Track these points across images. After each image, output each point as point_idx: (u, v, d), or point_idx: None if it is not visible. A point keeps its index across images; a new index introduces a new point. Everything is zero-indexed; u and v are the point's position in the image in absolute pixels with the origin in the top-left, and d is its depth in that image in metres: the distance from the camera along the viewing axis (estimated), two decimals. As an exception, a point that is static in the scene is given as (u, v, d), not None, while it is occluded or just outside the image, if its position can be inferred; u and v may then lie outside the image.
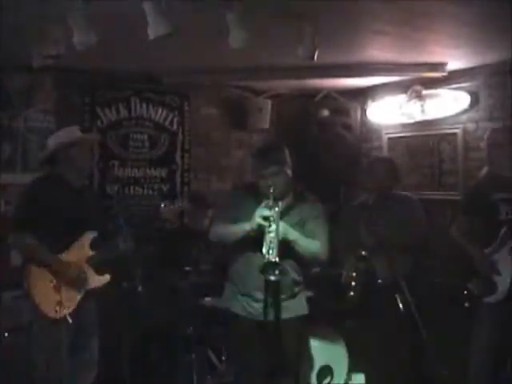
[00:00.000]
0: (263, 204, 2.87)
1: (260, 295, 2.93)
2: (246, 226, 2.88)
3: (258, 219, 2.81)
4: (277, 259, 2.71)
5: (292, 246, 2.90)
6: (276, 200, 2.88)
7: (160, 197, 5.11)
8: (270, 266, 2.72)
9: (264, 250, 2.76)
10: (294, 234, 2.89)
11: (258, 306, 2.95)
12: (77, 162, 3.23)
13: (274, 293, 2.91)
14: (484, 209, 3.30)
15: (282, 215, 2.93)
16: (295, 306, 3.04)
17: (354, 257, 3.93)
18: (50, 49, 2.99)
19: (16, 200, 3.18)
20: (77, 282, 3.12)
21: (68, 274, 3.09)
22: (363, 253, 3.88)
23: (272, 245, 2.74)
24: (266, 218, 2.79)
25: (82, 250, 3.20)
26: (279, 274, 2.71)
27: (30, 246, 3.04)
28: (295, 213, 2.99)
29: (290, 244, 2.88)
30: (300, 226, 2.96)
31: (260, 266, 2.74)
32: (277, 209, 2.84)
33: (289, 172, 2.99)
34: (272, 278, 2.72)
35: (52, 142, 3.28)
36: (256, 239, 2.85)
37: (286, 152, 3.03)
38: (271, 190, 2.87)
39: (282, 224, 2.84)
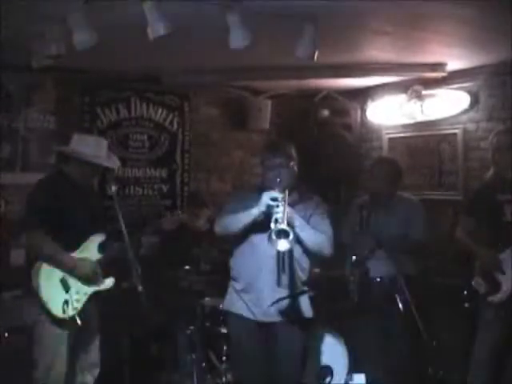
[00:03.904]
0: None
1: (264, 291, 2.92)
2: (254, 211, 2.86)
3: (265, 200, 2.81)
4: (283, 227, 2.67)
5: (298, 236, 2.88)
6: (283, 188, 2.89)
7: (160, 197, 5.12)
8: (278, 233, 2.68)
9: (272, 225, 2.72)
10: (299, 220, 2.88)
11: (261, 304, 2.94)
12: (85, 173, 3.25)
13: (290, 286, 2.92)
14: (489, 210, 3.32)
15: None
16: (299, 308, 3.02)
17: (351, 262, 3.95)
18: (50, 49, 2.99)
19: (27, 198, 3.16)
20: (92, 278, 3.14)
21: (84, 270, 3.10)
22: (358, 257, 3.90)
23: (280, 220, 2.71)
24: (274, 199, 2.80)
25: (90, 251, 3.21)
26: (288, 242, 2.68)
27: (45, 244, 3.03)
28: (299, 209, 2.98)
29: (295, 230, 2.84)
30: (304, 220, 2.96)
31: (268, 235, 2.70)
32: (286, 193, 2.85)
33: (295, 168, 3.03)
34: (280, 246, 2.71)
35: (76, 144, 3.26)
36: (261, 233, 2.84)
37: (294, 149, 3.08)
38: (278, 180, 2.89)
39: (288, 209, 2.82)
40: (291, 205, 2.92)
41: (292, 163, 3.00)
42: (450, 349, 3.88)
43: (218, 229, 3.10)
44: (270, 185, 2.93)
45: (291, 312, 2.96)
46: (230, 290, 3.16)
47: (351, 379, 4.07)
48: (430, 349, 3.99)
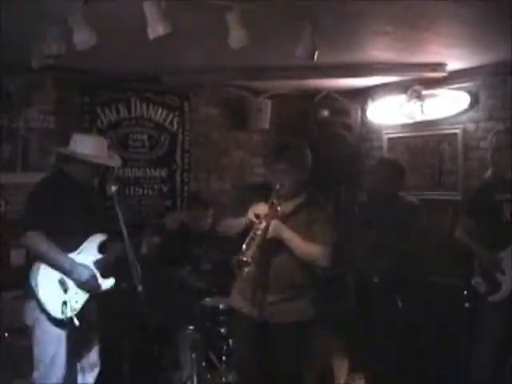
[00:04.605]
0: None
1: (260, 292, 2.93)
2: (241, 221, 2.90)
3: (249, 215, 2.83)
4: (247, 259, 2.70)
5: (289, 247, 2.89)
6: (279, 197, 2.87)
7: (160, 197, 5.12)
8: (238, 262, 2.74)
9: (244, 246, 2.74)
10: (287, 234, 2.84)
11: (258, 304, 2.95)
12: (85, 173, 3.25)
13: (262, 291, 2.93)
14: (488, 210, 3.33)
15: (290, 215, 2.94)
16: (297, 311, 3.02)
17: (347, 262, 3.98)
18: (50, 49, 2.99)
19: (28, 198, 3.16)
20: (89, 285, 3.13)
21: (81, 277, 3.09)
22: (353, 257, 3.91)
23: (251, 241, 2.74)
24: (256, 216, 2.80)
25: (90, 252, 3.20)
26: (247, 270, 2.76)
27: (45, 245, 3.02)
28: (303, 214, 2.95)
29: (285, 243, 2.86)
30: (306, 228, 2.91)
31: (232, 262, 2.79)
32: (278, 207, 2.84)
33: (301, 173, 2.97)
34: (237, 272, 2.79)
35: (76, 144, 3.25)
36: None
37: (305, 154, 3.03)
38: (277, 187, 2.87)
39: (275, 222, 2.82)
40: (294, 211, 2.93)
41: (296, 169, 2.93)
42: (450, 349, 3.88)
43: (220, 229, 3.22)
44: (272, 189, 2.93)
45: (287, 313, 2.95)
46: (234, 286, 3.17)
47: (351, 379, 4.09)
48: (429, 349, 4.00)
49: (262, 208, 2.83)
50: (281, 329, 2.93)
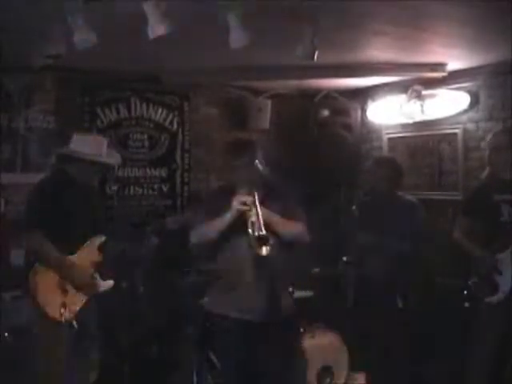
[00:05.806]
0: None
1: (248, 290, 2.91)
2: (226, 217, 2.86)
3: (236, 205, 2.83)
4: (265, 232, 2.71)
5: (277, 234, 2.89)
6: (251, 189, 2.90)
7: (160, 197, 5.12)
8: (258, 240, 2.72)
9: (250, 231, 2.76)
10: (274, 217, 2.90)
11: (246, 303, 2.93)
12: (86, 173, 3.24)
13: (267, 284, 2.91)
14: (486, 210, 3.32)
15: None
16: (284, 307, 3.00)
17: (343, 262, 3.98)
18: (50, 49, 2.99)
19: (28, 198, 3.15)
20: (88, 287, 3.13)
21: (80, 279, 3.09)
22: (350, 257, 3.92)
23: (256, 224, 2.75)
24: (244, 204, 2.82)
25: (90, 253, 3.20)
26: (269, 247, 2.71)
27: (44, 246, 3.01)
28: (272, 203, 2.98)
29: (273, 227, 2.86)
30: (278, 213, 2.96)
31: (248, 242, 2.77)
32: (255, 194, 2.87)
33: (260, 166, 3.02)
34: (262, 252, 2.72)
35: (76, 144, 3.24)
36: (239, 232, 2.86)
37: (257, 147, 3.09)
38: (245, 181, 2.91)
39: (261, 208, 2.85)
40: (263, 200, 2.93)
41: (256, 161, 2.99)
42: (450, 349, 3.88)
43: (194, 239, 3.03)
44: (238, 186, 2.94)
45: (276, 311, 2.94)
46: (213, 289, 3.14)
47: (351, 379, 4.08)
48: (429, 348, 4.01)
49: (245, 197, 2.85)
50: (266, 327, 2.91)
